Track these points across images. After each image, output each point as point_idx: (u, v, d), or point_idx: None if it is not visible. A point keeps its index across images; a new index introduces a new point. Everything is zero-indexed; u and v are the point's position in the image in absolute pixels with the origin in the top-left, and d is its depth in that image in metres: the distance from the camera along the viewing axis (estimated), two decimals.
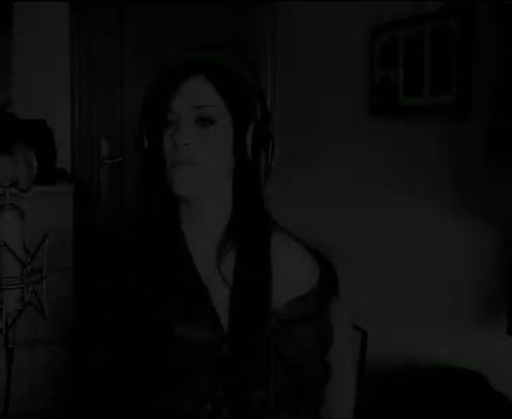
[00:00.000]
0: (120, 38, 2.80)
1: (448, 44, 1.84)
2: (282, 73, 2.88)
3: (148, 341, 1.07)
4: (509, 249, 1.64)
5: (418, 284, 2.03)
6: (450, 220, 1.90)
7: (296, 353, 1.09)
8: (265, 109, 1.10)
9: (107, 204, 2.83)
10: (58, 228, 2.15)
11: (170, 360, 1.06)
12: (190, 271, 1.09)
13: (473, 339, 1.80)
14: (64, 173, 2.60)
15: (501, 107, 1.63)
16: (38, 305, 0.97)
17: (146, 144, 1.07)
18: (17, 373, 1.00)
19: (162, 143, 1.05)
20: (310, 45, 2.64)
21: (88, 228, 2.57)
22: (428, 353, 1.94)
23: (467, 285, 1.84)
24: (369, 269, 2.18)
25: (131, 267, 1.11)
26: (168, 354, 1.06)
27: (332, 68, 2.49)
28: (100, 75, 2.78)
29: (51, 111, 2.61)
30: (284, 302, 1.08)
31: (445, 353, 1.88)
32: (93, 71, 2.76)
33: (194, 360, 1.06)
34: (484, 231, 1.77)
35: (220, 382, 1.06)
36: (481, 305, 1.79)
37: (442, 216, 1.93)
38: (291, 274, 1.09)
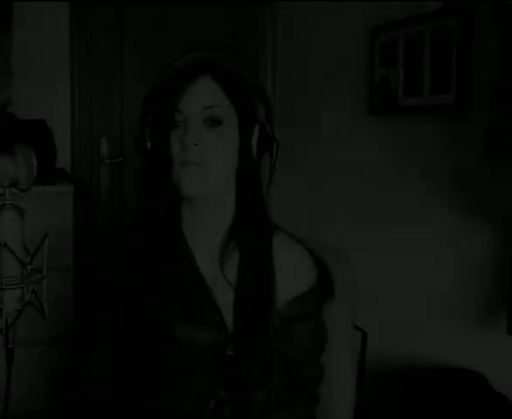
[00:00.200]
0: (120, 38, 2.80)
1: (448, 44, 1.84)
2: (282, 73, 2.88)
3: (148, 341, 1.07)
4: (509, 249, 1.64)
5: (418, 283, 2.03)
6: (450, 220, 1.90)
7: (296, 352, 1.10)
8: (269, 111, 1.10)
9: (107, 204, 2.83)
10: (58, 228, 2.15)
11: (171, 361, 1.06)
12: (193, 271, 1.09)
13: (473, 339, 1.80)
14: (64, 173, 2.60)
15: (501, 107, 1.63)
16: (38, 305, 0.97)
17: (149, 144, 1.07)
18: (17, 373, 1.00)
19: (168, 144, 1.04)
20: (310, 45, 2.63)
21: (88, 228, 2.57)
22: (428, 353, 1.94)
23: (467, 284, 1.84)
24: (369, 269, 2.18)
25: (131, 267, 1.11)
26: (169, 354, 1.06)
27: (332, 68, 2.49)
28: (100, 75, 2.78)
29: (51, 111, 2.61)
30: (284, 301, 1.08)
31: (445, 353, 1.88)
32: (93, 71, 2.76)
33: (195, 360, 1.06)
34: (484, 231, 1.77)
35: (222, 383, 1.06)
36: (481, 305, 1.79)
37: (442, 216, 1.93)
38: (291, 274, 1.10)
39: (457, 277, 1.88)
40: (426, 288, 2.00)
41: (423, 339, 1.98)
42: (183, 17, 2.81)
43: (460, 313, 1.87)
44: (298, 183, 2.69)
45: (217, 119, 1.05)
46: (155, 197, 1.08)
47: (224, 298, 1.07)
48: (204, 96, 1.05)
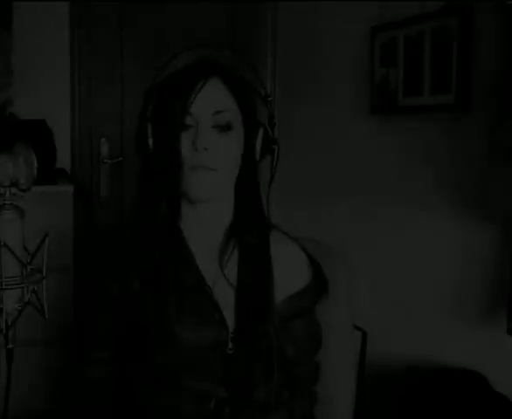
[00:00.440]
0: (120, 38, 2.80)
1: (448, 43, 1.84)
2: (282, 73, 2.88)
3: (148, 341, 1.07)
4: (509, 249, 1.64)
5: (419, 283, 2.03)
6: (450, 219, 1.90)
7: (295, 349, 1.11)
8: (272, 115, 1.11)
9: (107, 204, 2.83)
10: (58, 228, 2.15)
11: (172, 360, 1.06)
12: (193, 271, 1.09)
13: (473, 339, 1.80)
14: (64, 173, 2.60)
15: (502, 107, 1.63)
16: (38, 305, 0.97)
17: (150, 141, 1.06)
18: (17, 373, 1.00)
19: (178, 146, 1.04)
20: (310, 45, 2.63)
21: (88, 228, 2.57)
22: (428, 353, 1.94)
23: (467, 284, 1.84)
24: (369, 269, 2.18)
25: (131, 267, 1.11)
26: (169, 354, 1.06)
27: (332, 68, 2.49)
28: (100, 75, 2.78)
29: (51, 111, 2.61)
30: (283, 298, 1.09)
31: (445, 353, 1.88)
32: (93, 71, 2.77)
33: (196, 359, 1.06)
34: (484, 231, 1.77)
35: (222, 382, 1.06)
36: (481, 304, 1.79)
37: (442, 216, 1.93)
38: (289, 271, 1.11)
39: (457, 277, 1.88)
40: (426, 288, 2.00)
41: (423, 339, 1.98)
42: (184, 17, 2.81)
43: (460, 313, 1.87)
44: (298, 183, 2.69)
45: (226, 124, 1.05)
46: (156, 197, 1.08)
47: (224, 296, 1.08)
48: (215, 100, 1.05)
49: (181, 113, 1.03)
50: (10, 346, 0.96)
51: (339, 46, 2.44)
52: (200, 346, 1.06)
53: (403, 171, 2.11)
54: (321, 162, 2.56)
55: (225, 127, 1.05)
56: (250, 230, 1.10)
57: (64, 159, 2.65)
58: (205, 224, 1.11)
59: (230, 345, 1.06)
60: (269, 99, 1.11)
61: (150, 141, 1.06)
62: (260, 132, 1.09)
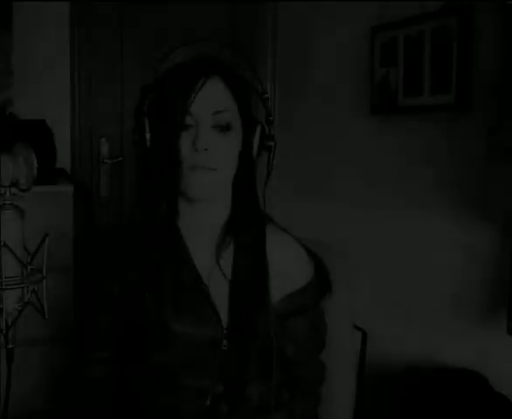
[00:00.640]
0: (120, 38, 2.80)
1: (448, 43, 1.84)
2: (282, 73, 2.88)
3: (147, 341, 1.07)
4: (509, 248, 1.64)
5: (419, 283, 2.03)
6: (450, 220, 1.90)
7: (295, 348, 1.10)
8: (268, 112, 1.11)
9: (107, 204, 2.83)
10: (58, 228, 2.15)
11: (171, 359, 1.06)
12: (190, 269, 1.09)
13: (473, 339, 1.80)
14: (64, 173, 2.60)
15: (502, 107, 1.63)
16: (38, 305, 0.97)
17: (148, 136, 1.05)
18: (17, 373, 1.00)
19: (178, 146, 1.03)
20: (310, 45, 2.63)
21: (88, 228, 2.57)
22: (428, 353, 1.94)
23: (467, 284, 1.84)
24: (369, 269, 2.18)
25: (130, 267, 1.11)
26: (168, 353, 1.06)
27: (332, 68, 2.49)
28: (100, 75, 2.78)
29: (51, 111, 2.61)
30: (282, 296, 1.09)
31: (445, 353, 1.88)
32: (93, 71, 2.76)
33: (194, 358, 1.07)
34: (484, 231, 1.77)
35: (219, 378, 1.06)
36: (481, 304, 1.79)
37: (442, 216, 1.93)
38: (288, 269, 1.11)
39: (457, 277, 1.88)
40: (426, 288, 2.00)
41: (423, 339, 1.98)
42: (184, 17, 2.81)
43: (460, 313, 1.87)
44: (298, 183, 2.69)
45: (226, 124, 1.05)
46: (155, 196, 1.08)
47: (220, 293, 1.08)
48: (215, 100, 1.05)
49: (181, 112, 1.03)
50: (10, 346, 0.96)
51: (339, 46, 2.44)
52: (198, 344, 1.06)
53: (403, 171, 2.11)
54: (321, 162, 2.56)
55: (225, 128, 1.05)
56: (247, 227, 1.11)
57: (64, 159, 2.65)
58: (203, 222, 1.11)
59: (224, 342, 1.06)
60: (266, 96, 1.11)
61: (148, 137, 1.06)
62: (258, 130, 1.09)
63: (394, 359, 2.07)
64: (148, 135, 1.05)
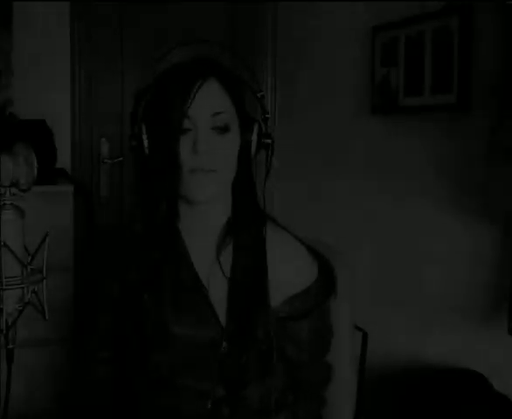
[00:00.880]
0: (120, 38, 2.80)
1: (449, 43, 1.84)
2: (282, 73, 2.88)
3: (147, 341, 1.07)
4: (510, 249, 1.64)
5: (419, 283, 2.03)
6: (450, 220, 1.90)
7: (297, 351, 1.10)
8: (264, 110, 1.10)
9: (107, 204, 2.83)
10: (58, 228, 2.14)
11: (170, 360, 1.06)
12: (189, 270, 1.09)
13: (473, 339, 1.80)
14: (64, 173, 2.60)
15: (502, 107, 1.63)
16: (39, 305, 0.97)
17: (146, 143, 1.05)
18: (17, 373, 1.00)
19: (177, 150, 1.03)
20: (310, 45, 2.63)
21: (88, 228, 2.57)
22: (428, 354, 1.94)
23: (467, 285, 1.84)
24: (369, 269, 2.18)
25: (130, 267, 1.11)
26: (167, 354, 1.06)
27: (332, 68, 2.49)
28: (100, 75, 2.78)
29: (51, 111, 2.61)
30: (284, 298, 1.08)
31: (445, 353, 1.87)
32: (93, 71, 2.76)
33: (193, 359, 1.06)
34: (484, 231, 1.77)
35: (219, 380, 1.06)
36: (482, 305, 1.79)
37: (442, 216, 1.93)
38: (290, 269, 1.10)
39: (457, 277, 1.88)
40: (426, 288, 2.00)
41: (423, 339, 1.98)
42: (183, 17, 2.81)
43: (460, 313, 1.87)
44: (298, 183, 2.69)
45: (225, 125, 1.05)
46: (155, 199, 1.08)
47: (219, 294, 1.08)
48: (212, 102, 1.04)
49: (179, 116, 1.02)
50: (11, 346, 0.96)
51: (339, 46, 2.44)
52: (197, 345, 1.06)
53: (403, 171, 2.11)
54: (322, 162, 2.56)
55: (223, 129, 1.05)
56: (247, 227, 1.10)
57: (64, 159, 2.65)
58: (203, 224, 1.11)
59: (223, 343, 1.06)
60: (261, 93, 1.10)
61: (145, 141, 1.05)
62: (255, 128, 1.08)
63: (394, 359, 2.07)
64: (146, 142, 1.05)
